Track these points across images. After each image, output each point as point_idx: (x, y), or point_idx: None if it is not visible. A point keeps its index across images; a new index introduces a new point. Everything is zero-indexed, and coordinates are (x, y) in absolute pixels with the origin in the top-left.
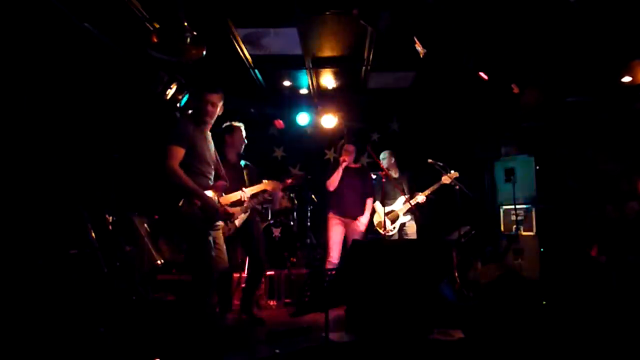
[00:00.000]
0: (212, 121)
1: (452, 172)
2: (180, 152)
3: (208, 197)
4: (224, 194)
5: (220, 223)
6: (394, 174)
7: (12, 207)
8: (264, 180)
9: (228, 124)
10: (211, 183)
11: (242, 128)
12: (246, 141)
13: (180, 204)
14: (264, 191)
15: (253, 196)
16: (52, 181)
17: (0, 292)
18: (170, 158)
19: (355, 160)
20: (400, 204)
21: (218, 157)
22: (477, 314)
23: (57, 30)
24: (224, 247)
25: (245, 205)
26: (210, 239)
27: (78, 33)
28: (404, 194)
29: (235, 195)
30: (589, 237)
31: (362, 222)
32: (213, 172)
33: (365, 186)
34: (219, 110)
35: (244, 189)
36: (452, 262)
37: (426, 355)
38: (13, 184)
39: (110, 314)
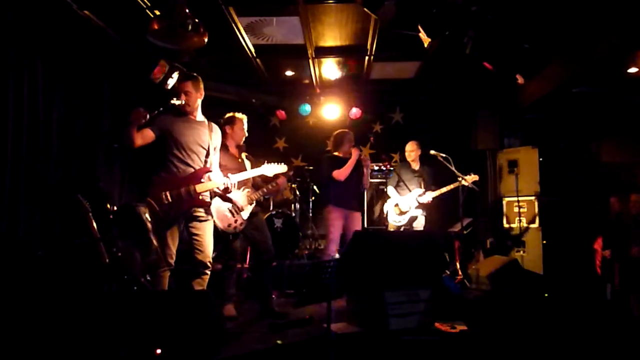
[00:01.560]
0: (193, 108)
1: (472, 174)
2: (147, 133)
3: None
4: (204, 181)
5: (201, 212)
6: (415, 165)
7: (13, 198)
8: (265, 165)
9: (230, 115)
10: (190, 169)
11: (245, 120)
12: (247, 134)
13: (149, 193)
14: (271, 183)
15: (257, 187)
16: (54, 171)
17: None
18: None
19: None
20: (413, 198)
21: (211, 145)
22: (480, 305)
23: (58, 18)
24: (205, 237)
25: (249, 196)
26: (176, 229)
27: (78, 21)
28: (419, 187)
29: (214, 183)
30: (592, 229)
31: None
32: (201, 160)
33: (360, 176)
34: (197, 96)
35: (230, 175)
36: (454, 254)
37: (428, 347)
38: (14, 173)
39: (112, 304)
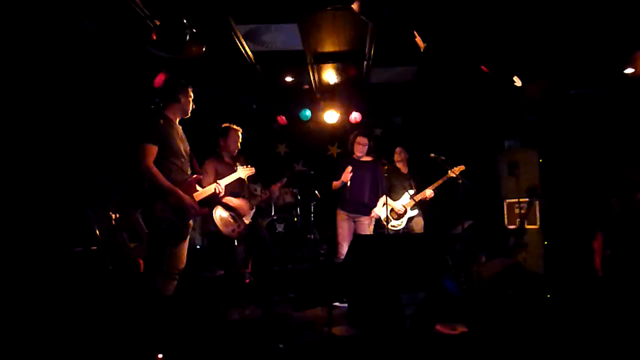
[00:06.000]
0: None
1: (458, 166)
2: (154, 150)
3: (182, 195)
4: (199, 188)
5: (190, 223)
6: (403, 169)
7: (17, 205)
8: (237, 167)
9: (225, 125)
10: (186, 176)
11: (239, 133)
12: (240, 146)
13: (156, 205)
14: (262, 192)
15: (252, 196)
16: (57, 179)
17: (6, 291)
18: (145, 157)
19: (367, 153)
20: (407, 199)
21: (189, 149)
22: (481, 308)
23: (58, 29)
24: (184, 247)
25: (249, 202)
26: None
27: (79, 31)
28: (412, 189)
29: (209, 189)
30: (593, 230)
31: (374, 215)
32: (189, 165)
33: (377, 181)
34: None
35: (218, 181)
36: (455, 256)
37: (429, 349)
38: (18, 182)
39: (115, 310)
